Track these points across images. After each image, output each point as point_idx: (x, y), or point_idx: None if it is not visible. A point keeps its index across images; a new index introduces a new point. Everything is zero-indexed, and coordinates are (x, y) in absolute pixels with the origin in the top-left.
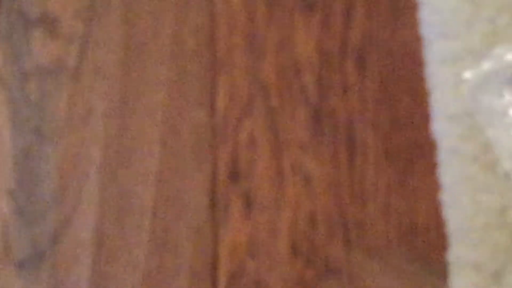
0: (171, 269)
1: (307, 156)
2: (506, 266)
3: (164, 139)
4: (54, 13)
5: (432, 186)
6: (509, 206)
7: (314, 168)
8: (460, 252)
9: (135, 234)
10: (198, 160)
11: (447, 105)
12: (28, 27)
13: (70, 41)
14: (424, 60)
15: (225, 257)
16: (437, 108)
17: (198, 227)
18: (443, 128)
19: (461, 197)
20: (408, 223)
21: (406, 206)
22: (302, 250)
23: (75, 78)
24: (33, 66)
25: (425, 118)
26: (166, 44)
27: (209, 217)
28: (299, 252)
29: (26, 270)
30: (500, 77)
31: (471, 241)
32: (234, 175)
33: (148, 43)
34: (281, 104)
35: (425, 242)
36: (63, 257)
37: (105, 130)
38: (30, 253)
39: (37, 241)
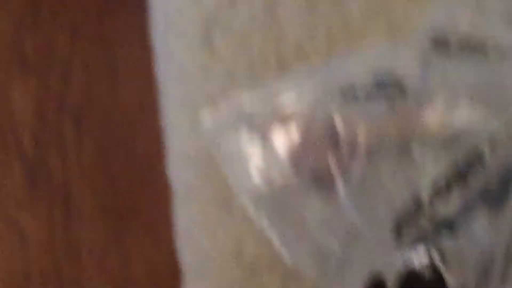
0: None
1: (23, 213)
2: None
3: None
4: None
5: (150, 243)
6: (244, 239)
7: (29, 226)
8: None
9: None
10: None
11: (183, 147)
12: None
13: None
14: (158, 107)
15: None
16: (173, 153)
17: None
18: (179, 171)
19: (197, 238)
20: (122, 279)
21: (121, 262)
22: None
23: None
24: None
25: (151, 172)
26: None
27: None
28: None
29: None
30: (236, 118)
31: (207, 279)
32: None
33: None
34: None
35: None
36: None
37: None
38: None
39: None
